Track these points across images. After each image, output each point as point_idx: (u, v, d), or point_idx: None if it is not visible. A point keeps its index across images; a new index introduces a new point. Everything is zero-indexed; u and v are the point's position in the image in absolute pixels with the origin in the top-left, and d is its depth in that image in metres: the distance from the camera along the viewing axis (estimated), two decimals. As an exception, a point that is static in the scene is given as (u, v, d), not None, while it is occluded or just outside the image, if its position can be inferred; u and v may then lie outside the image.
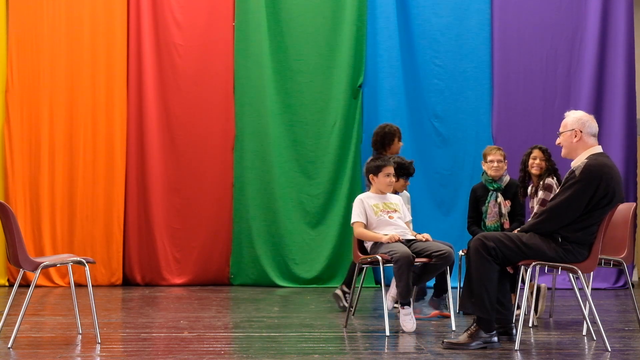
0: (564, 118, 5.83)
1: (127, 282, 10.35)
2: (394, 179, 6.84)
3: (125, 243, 10.36)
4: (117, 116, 10.36)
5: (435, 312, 7.09)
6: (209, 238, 10.46)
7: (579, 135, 5.66)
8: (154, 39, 10.48)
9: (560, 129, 5.80)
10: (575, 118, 5.73)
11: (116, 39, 10.42)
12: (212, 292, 9.60)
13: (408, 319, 6.25)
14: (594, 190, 5.40)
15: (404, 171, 7.41)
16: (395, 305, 6.97)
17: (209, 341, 5.81)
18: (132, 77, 10.44)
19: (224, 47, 10.60)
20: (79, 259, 5.81)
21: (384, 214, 6.67)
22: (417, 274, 6.49)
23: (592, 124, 5.72)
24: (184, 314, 7.45)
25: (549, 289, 7.35)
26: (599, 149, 5.69)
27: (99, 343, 5.63)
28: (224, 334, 6.27)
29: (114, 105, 10.36)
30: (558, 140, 5.82)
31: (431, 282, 7.23)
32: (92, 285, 5.93)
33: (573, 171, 5.54)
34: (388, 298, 6.69)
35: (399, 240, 6.43)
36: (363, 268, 7.12)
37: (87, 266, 5.79)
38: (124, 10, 10.43)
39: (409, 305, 6.29)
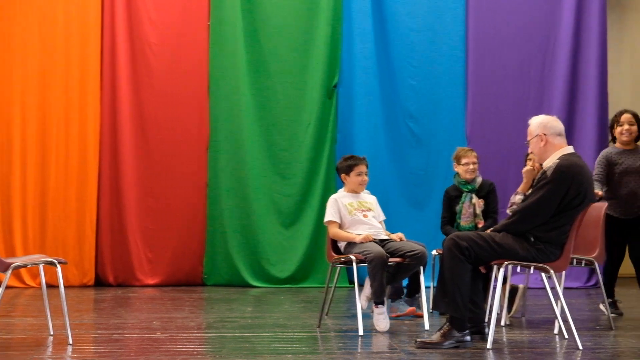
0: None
1: (100, 282, 10.29)
2: (366, 178, 6.86)
3: (97, 243, 10.30)
4: (90, 115, 10.30)
5: (412, 308, 7.11)
6: (183, 238, 10.43)
7: (544, 138, 5.72)
8: (128, 38, 10.43)
9: (528, 137, 5.87)
10: (537, 123, 5.81)
11: (90, 38, 10.36)
12: (185, 293, 9.57)
13: (382, 319, 6.27)
14: (565, 190, 5.44)
15: None
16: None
17: (182, 342, 5.80)
18: (106, 76, 10.39)
19: (199, 47, 10.58)
20: (50, 259, 5.78)
21: (359, 213, 6.69)
22: (391, 273, 6.52)
23: (555, 124, 5.78)
24: (156, 314, 7.42)
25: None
26: (570, 149, 5.74)
27: (70, 344, 5.60)
28: (197, 335, 6.26)
29: (87, 104, 10.31)
30: (529, 150, 5.90)
31: (404, 282, 7.26)
32: (64, 286, 5.90)
33: (545, 172, 5.58)
34: (362, 298, 6.70)
35: (372, 240, 6.45)
36: (337, 268, 7.13)
37: (58, 267, 5.76)
38: (97, 8, 10.37)
39: (383, 304, 6.31)
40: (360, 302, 6.55)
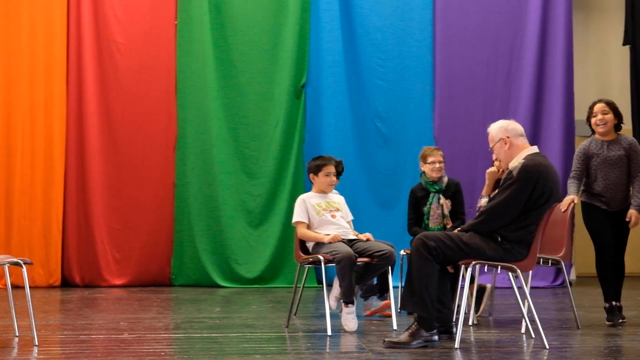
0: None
1: (66, 283, 10.22)
2: (334, 178, 6.86)
3: (64, 244, 10.23)
4: (56, 115, 10.23)
5: (386, 302, 7.09)
6: (150, 238, 10.38)
7: (507, 141, 5.77)
8: (94, 37, 10.37)
9: (490, 144, 5.90)
10: (497, 128, 5.86)
11: (55, 36, 10.28)
12: (152, 293, 9.53)
13: (350, 318, 6.28)
14: (531, 190, 5.48)
15: None
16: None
17: (150, 342, 5.77)
18: (72, 75, 10.32)
19: (166, 46, 10.54)
20: (16, 260, 5.72)
21: (327, 213, 6.69)
22: (359, 273, 6.52)
23: (515, 126, 5.85)
24: (124, 315, 7.38)
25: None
26: (534, 149, 5.78)
27: (36, 346, 5.55)
28: (164, 335, 6.23)
29: (53, 103, 10.23)
30: (494, 156, 5.93)
31: (373, 282, 7.27)
32: (30, 287, 5.84)
33: (511, 172, 5.61)
34: (331, 298, 6.70)
35: (341, 240, 6.46)
36: (305, 268, 7.13)
37: (24, 267, 5.70)
38: (63, 6, 10.30)
39: (352, 304, 6.32)
40: (329, 302, 6.55)
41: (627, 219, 6.64)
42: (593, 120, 6.87)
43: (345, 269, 6.20)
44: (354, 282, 6.31)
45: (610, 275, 6.77)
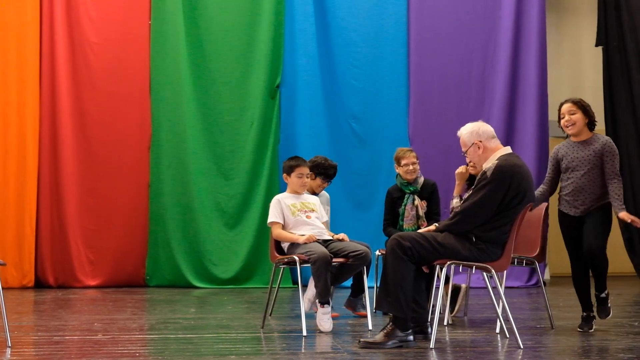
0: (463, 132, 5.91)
1: (40, 284, 10.16)
2: (307, 180, 6.85)
3: (37, 244, 10.17)
4: (29, 114, 10.16)
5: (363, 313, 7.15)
6: (124, 239, 10.34)
7: (480, 145, 5.78)
8: (67, 36, 10.32)
9: (463, 149, 5.90)
10: (469, 132, 5.85)
11: (28, 36, 10.22)
12: (127, 294, 9.49)
13: (325, 319, 6.28)
14: (505, 190, 5.50)
15: (320, 170, 7.43)
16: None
17: (124, 343, 5.74)
18: (45, 74, 10.26)
19: (140, 45, 10.50)
20: (-12, 260, 5.68)
21: (302, 214, 6.69)
22: (335, 274, 6.52)
23: (486, 129, 5.85)
24: (98, 316, 7.35)
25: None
26: (508, 149, 5.81)
27: (9, 347, 5.50)
28: (139, 336, 6.20)
29: (26, 103, 10.16)
30: (468, 160, 5.93)
31: (348, 282, 7.29)
32: (3, 288, 5.80)
33: (485, 172, 5.63)
34: (305, 300, 6.70)
35: (316, 241, 6.46)
36: (280, 268, 7.13)
37: (-3, 268, 5.67)
38: (36, 6, 10.24)
39: (328, 304, 6.32)
40: (305, 304, 6.56)
41: (623, 222, 6.54)
42: (562, 122, 6.52)
43: (321, 270, 6.20)
44: (330, 282, 6.32)
45: (580, 287, 6.50)
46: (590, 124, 6.49)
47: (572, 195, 6.41)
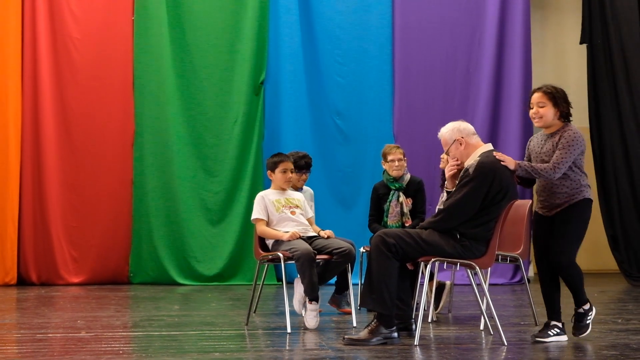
0: (444, 133, 5.90)
1: (22, 281, 10.12)
2: (291, 175, 6.85)
3: (20, 241, 10.13)
4: (11, 111, 10.11)
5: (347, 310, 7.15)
6: (108, 236, 10.31)
7: (462, 141, 5.80)
8: (49, 32, 10.27)
9: (445, 148, 5.92)
10: (450, 130, 5.86)
11: (9, 32, 10.16)
12: (110, 291, 9.47)
13: (313, 315, 6.27)
14: (488, 186, 5.52)
15: (293, 164, 7.28)
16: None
17: (107, 341, 5.74)
18: (27, 70, 10.21)
19: (123, 41, 10.46)
20: (-29, 258, 5.67)
21: (286, 210, 6.70)
22: (320, 273, 6.50)
23: (466, 126, 5.87)
24: (81, 313, 7.33)
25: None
26: (489, 146, 5.83)
27: (-8, 344, 5.50)
28: (122, 334, 6.20)
29: (8, 100, 10.11)
30: (451, 156, 5.90)
31: (333, 279, 7.29)
32: (-15, 285, 5.79)
33: (467, 169, 5.66)
34: (295, 303, 6.65)
35: (300, 237, 6.47)
36: (264, 265, 7.13)
37: (-21, 265, 5.65)
38: (17, 1, 10.19)
39: (317, 300, 6.32)
40: (295, 306, 6.55)
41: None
42: (530, 112, 5.87)
43: (305, 266, 6.21)
44: (316, 278, 6.30)
45: (546, 291, 5.86)
46: (564, 114, 5.81)
47: (539, 193, 5.88)
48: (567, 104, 5.84)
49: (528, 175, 5.75)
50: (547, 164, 5.68)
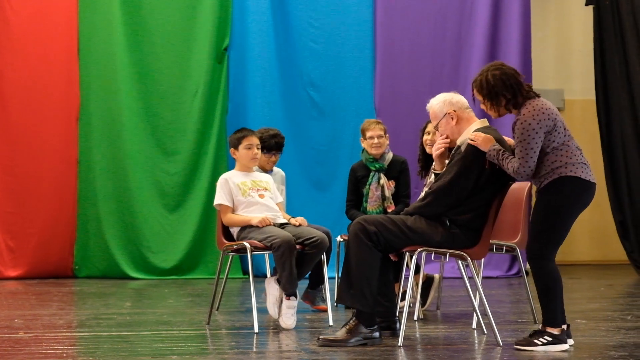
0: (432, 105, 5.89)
1: (-48, 275, 10.11)
2: (257, 151, 6.81)
3: (-51, 230, 10.11)
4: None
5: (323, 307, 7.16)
6: (49, 223, 10.29)
7: (454, 115, 5.78)
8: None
9: (434, 122, 5.91)
10: (441, 102, 5.83)
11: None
12: (53, 286, 9.47)
13: (290, 314, 6.22)
14: (481, 166, 5.51)
15: (262, 144, 7.26)
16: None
17: (49, 342, 5.73)
18: (-44, 35, 10.16)
19: (66, 3, 10.39)
20: None
21: (254, 193, 6.67)
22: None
23: (459, 98, 5.85)
24: (19, 311, 7.32)
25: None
26: (484, 122, 5.81)
27: None
28: (66, 334, 6.19)
29: None
30: (440, 132, 5.87)
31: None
32: None
33: (459, 147, 5.65)
34: (269, 307, 6.52)
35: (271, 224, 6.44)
36: (228, 256, 7.12)
37: None
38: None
39: (295, 296, 6.29)
40: (270, 311, 6.43)
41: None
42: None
43: (286, 256, 6.15)
44: (295, 270, 6.26)
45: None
46: (511, 102, 5.45)
47: None
48: (512, 87, 5.43)
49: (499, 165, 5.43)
50: (514, 161, 5.32)
